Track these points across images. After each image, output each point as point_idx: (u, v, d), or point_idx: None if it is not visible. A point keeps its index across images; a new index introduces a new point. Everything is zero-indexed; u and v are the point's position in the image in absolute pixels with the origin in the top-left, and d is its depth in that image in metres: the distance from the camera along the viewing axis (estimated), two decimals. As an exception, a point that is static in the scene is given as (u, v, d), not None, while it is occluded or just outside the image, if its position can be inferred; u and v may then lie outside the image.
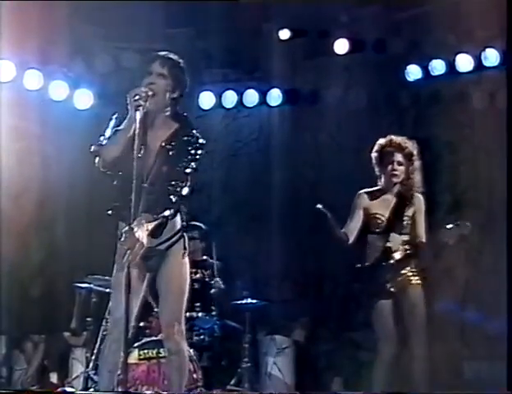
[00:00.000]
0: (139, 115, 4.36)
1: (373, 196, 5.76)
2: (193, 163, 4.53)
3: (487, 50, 7.56)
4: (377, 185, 5.82)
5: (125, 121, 4.43)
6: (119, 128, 4.48)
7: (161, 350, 6.04)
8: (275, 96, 8.69)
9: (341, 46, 8.18)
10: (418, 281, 5.61)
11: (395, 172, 5.69)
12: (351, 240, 5.66)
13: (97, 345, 6.34)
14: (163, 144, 4.56)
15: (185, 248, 4.68)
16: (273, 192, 8.41)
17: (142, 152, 4.40)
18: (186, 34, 8.41)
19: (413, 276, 5.61)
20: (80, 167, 7.60)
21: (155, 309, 6.04)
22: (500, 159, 6.72)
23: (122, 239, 4.32)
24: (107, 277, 5.81)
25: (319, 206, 5.52)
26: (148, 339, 6.28)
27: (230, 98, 8.71)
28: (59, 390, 6.87)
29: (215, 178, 8.52)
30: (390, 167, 5.69)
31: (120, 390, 4.68)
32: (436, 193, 7.25)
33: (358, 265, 5.65)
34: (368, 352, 5.75)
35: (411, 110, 8.19)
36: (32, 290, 7.88)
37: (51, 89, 7.95)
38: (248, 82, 8.75)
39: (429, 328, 5.64)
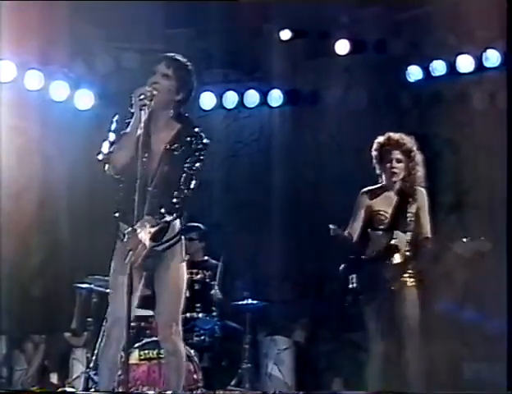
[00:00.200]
0: (144, 115, 4.35)
1: (376, 194, 5.76)
2: (197, 164, 4.53)
3: (488, 51, 7.56)
4: (378, 184, 5.82)
5: (131, 123, 4.40)
6: (125, 131, 4.44)
7: (161, 350, 6.03)
8: (275, 96, 8.69)
9: (342, 47, 8.18)
10: (414, 283, 5.60)
11: (395, 170, 5.69)
12: (355, 238, 5.66)
13: (97, 346, 6.34)
14: (167, 146, 4.55)
15: (183, 250, 4.68)
16: (274, 192, 8.41)
17: (146, 155, 4.39)
18: (187, 34, 8.42)
19: (410, 277, 5.60)
20: (80, 168, 7.62)
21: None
22: (500, 159, 6.72)
23: (125, 240, 4.34)
24: (107, 278, 5.79)
25: (332, 227, 5.52)
26: (149, 339, 6.28)
27: (230, 99, 8.71)
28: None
29: (216, 178, 8.52)
30: (389, 165, 5.69)
31: (121, 390, 4.69)
32: (436, 193, 7.24)
33: (362, 256, 5.63)
34: (367, 353, 5.74)
35: (412, 111, 8.19)
36: (32, 291, 7.88)
37: (51, 89, 7.96)
38: (248, 83, 8.76)
39: (429, 329, 5.64)
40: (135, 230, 4.28)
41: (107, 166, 4.49)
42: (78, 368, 7.12)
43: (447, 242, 5.55)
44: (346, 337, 7.61)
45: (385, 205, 5.71)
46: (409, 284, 5.59)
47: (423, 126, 7.84)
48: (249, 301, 7.03)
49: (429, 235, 5.69)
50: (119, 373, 4.67)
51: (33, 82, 7.74)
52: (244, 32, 8.28)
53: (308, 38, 8.34)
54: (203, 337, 6.79)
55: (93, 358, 6.42)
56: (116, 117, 4.56)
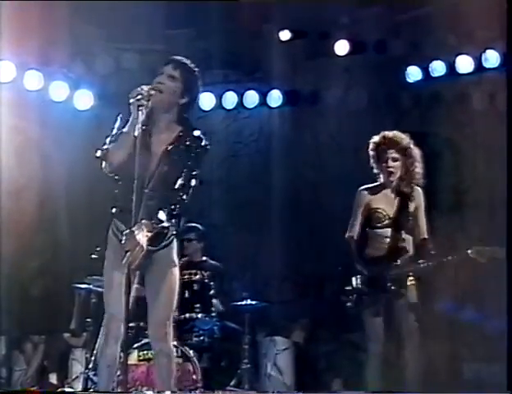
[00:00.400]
0: (141, 115, 4.35)
1: (374, 191, 5.74)
2: (196, 168, 4.52)
3: (488, 51, 7.57)
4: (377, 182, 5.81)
5: (129, 123, 4.41)
6: (123, 131, 4.46)
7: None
8: (275, 97, 8.69)
9: (342, 47, 8.19)
10: (413, 282, 5.58)
11: (391, 169, 5.66)
12: (356, 237, 5.65)
13: (96, 345, 6.33)
14: (167, 148, 4.54)
15: (175, 253, 4.67)
16: (273, 193, 8.42)
17: (144, 155, 4.39)
18: (187, 34, 8.42)
19: (410, 277, 5.59)
20: (80, 168, 7.61)
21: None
22: (500, 159, 6.72)
23: (123, 241, 4.33)
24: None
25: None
26: (148, 340, 6.26)
27: (230, 99, 8.71)
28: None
29: (215, 179, 8.52)
30: (385, 164, 5.68)
31: (120, 391, 4.69)
32: (436, 193, 7.24)
33: (365, 257, 5.63)
34: (367, 353, 5.74)
35: (411, 111, 8.19)
36: (32, 291, 7.89)
37: (51, 89, 7.96)
38: (248, 83, 8.76)
39: (428, 329, 5.63)
40: (133, 231, 4.28)
41: (103, 163, 4.50)
42: (77, 369, 7.12)
43: (444, 242, 5.54)
44: (345, 338, 7.61)
45: (384, 203, 5.69)
46: (409, 284, 5.58)
47: (423, 127, 7.85)
48: (249, 302, 7.02)
49: (426, 236, 5.69)
50: (118, 373, 4.67)
51: (32, 82, 7.75)
52: (244, 32, 8.28)
53: (308, 38, 8.34)
54: (202, 338, 6.78)
55: (93, 358, 6.41)
56: (120, 116, 4.56)
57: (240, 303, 7.04)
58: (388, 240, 5.62)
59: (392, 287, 5.54)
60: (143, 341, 6.25)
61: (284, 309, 8.19)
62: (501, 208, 6.35)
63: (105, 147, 4.49)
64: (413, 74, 8.10)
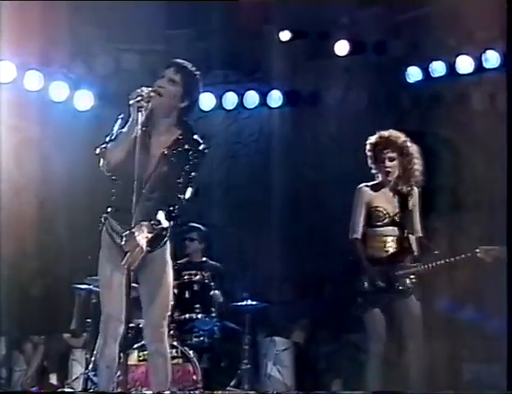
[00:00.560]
0: (140, 116, 4.36)
1: (374, 189, 5.72)
2: (193, 172, 4.54)
3: (488, 52, 7.56)
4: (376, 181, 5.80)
5: (128, 123, 4.43)
6: (122, 131, 4.47)
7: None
8: (275, 97, 8.69)
9: (342, 47, 8.19)
10: (417, 282, 5.58)
11: (388, 169, 5.65)
12: (359, 237, 5.63)
13: (96, 346, 6.33)
14: (165, 151, 4.56)
15: (168, 254, 4.67)
16: (273, 193, 8.41)
17: (143, 156, 4.40)
18: (187, 35, 8.42)
19: (413, 276, 5.58)
20: (80, 168, 7.61)
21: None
22: (500, 160, 6.72)
23: (123, 242, 4.34)
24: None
25: None
26: (148, 340, 6.26)
27: (230, 100, 8.71)
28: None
29: (215, 179, 8.52)
30: (382, 164, 5.67)
31: (120, 391, 4.69)
32: (436, 193, 7.25)
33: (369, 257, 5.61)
34: (366, 354, 5.74)
35: (411, 111, 8.18)
36: (32, 291, 7.89)
37: (51, 89, 7.96)
38: (248, 83, 8.75)
39: (428, 329, 5.63)
40: (133, 233, 4.30)
41: (101, 161, 4.51)
42: (77, 369, 7.11)
43: (444, 242, 5.54)
44: (345, 338, 7.61)
45: (383, 201, 5.67)
46: (413, 284, 5.57)
47: (423, 127, 7.84)
48: (249, 302, 7.02)
49: (421, 234, 5.68)
50: (118, 373, 4.67)
51: (32, 83, 7.75)
52: (244, 33, 8.28)
53: (308, 39, 8.34)
54: (202, 338, 6.78)
55: (93, 359, 6.41)
56: (121, 116, 4.57)
57: (240, 303, 7.04)
58: (389, 239, 5.60)
59: (400, 287, 5.51)
60: (143, 342, 6.24)
61: (284, 309, 8.19)
62: (501, 208, 6.35)
63: (104, 145, 4.51)
64: (414, 74, 8.09)
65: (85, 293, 6.96)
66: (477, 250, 5.43)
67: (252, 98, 8.72)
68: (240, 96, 8.70)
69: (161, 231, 4.49)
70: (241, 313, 7.09)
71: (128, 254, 4.31)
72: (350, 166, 7.82)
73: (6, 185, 7.37)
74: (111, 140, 4.51)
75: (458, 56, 7.76)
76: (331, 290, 8.26)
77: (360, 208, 5.66)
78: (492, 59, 7.55)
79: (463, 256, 5.49)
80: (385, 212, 5.64)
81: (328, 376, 7.62)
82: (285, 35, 8.26)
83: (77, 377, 6.98)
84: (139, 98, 4.37)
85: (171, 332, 6.43)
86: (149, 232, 4.38)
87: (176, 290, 6.75)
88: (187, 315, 6.72)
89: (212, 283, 6.98)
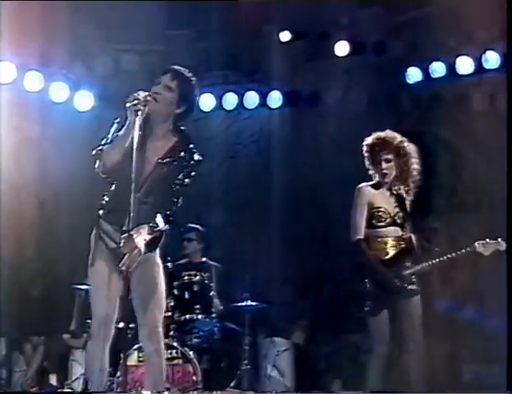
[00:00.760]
0: (138, 120, 4.38)
1: (374, 189, 5.70)
2: (187, 180, 4.56)
3: (488, 52, 7.56)
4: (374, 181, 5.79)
5: (125, 127, 4.44)
6: (119, 133, 4.49)
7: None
8: (275, 98, 8.69)
9: (342, 48, 8.19)
10: (414, 280, 5.56)
11: (385, 171, 5.61)
12: (362, 237, 5.61)
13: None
14: (161, 157, 4.57)
15: (158, 256, 4.67)
16: (273, 194, 8.41)
17: (139, 159, 4.40)
18: (187, 35, 8.42)
19: (416, 275, 5.56)
20: (80, 169, 7.59)
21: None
22: (500, 160, 6.72)
23: (121, 244, 4.36)
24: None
25: None
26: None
27: (230, 100, 8.71)
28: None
29: (215, 180, 8.52)
30: (379, 166, 5.65)
31: (119, 391, 4.69)
32: (436, 193, 7.25)
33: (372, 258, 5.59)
34: (367, 354, 5.73)
35: (411, 112, 8.19)
36: (32, 292, 7.88)
37: (51, 90, 7.96)
38: (248, 84, 8.76)
39: (428, 329, 5.62)
40: (131, 235, 4.32)
41: (97, 162, 4.52)
42: (77, 370, 7.11)
43: (444, 241, 5.55)
44: (345, 339, 7.61)
45: (383, 202, 5.64)
46: (417, 283, 5.56)
47: (423, 128, 7.84)
48: (249, 303, 7.02)
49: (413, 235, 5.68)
50: (118, 374, 4.67)
51: (32, 83, 7.75)
52: (244, 33, 8.28)
53: (308, 39, 8.34)
54: (202, 339, 6.79)
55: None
56: (118, 120, 4.58)
57: (240, 304, 7.04)
58: (390, 240, 5.59)
59: (409, 287, 5.50)
60: (142, 342, 6.25)
61: (284, 310, 8.19)
62: (501, 208, 6.36)
63: (100, 147, 4.53)
64: (413, 75, 8.09)
65: (85, 293, 6.92)
66: (476, 245, 5.44)
67: (252, 99, 8.72)
68: (240, 96, 8.70)
69: (158, 233, 4.50)
70: (241, 314, 7.09)
71: (126, 256, 4.33)
72: (350, 166, 7.79)
73: (6, 185, 7.37)
74: (107, 143, 4.53)
75: (458, 56, 7.76)
76: (331, 290, 8.27)
77: (361, 208, 5.62)
78: (492, 60, 7.55)
79: (463, 251, 5.48)
80: (386, 212, 5.61)
81: (328, 377, 7.62)
82: (285, 36, 8.26)
83: (77, 378, 6.99)
84: (135, 102, 4.39)
85: (171, 332, 6.45)
86: (148, 235, 4.40)
87: (175, 291, 6.79)
88: (187, 316, 6.72)
89: (212, 284, 6.98)
